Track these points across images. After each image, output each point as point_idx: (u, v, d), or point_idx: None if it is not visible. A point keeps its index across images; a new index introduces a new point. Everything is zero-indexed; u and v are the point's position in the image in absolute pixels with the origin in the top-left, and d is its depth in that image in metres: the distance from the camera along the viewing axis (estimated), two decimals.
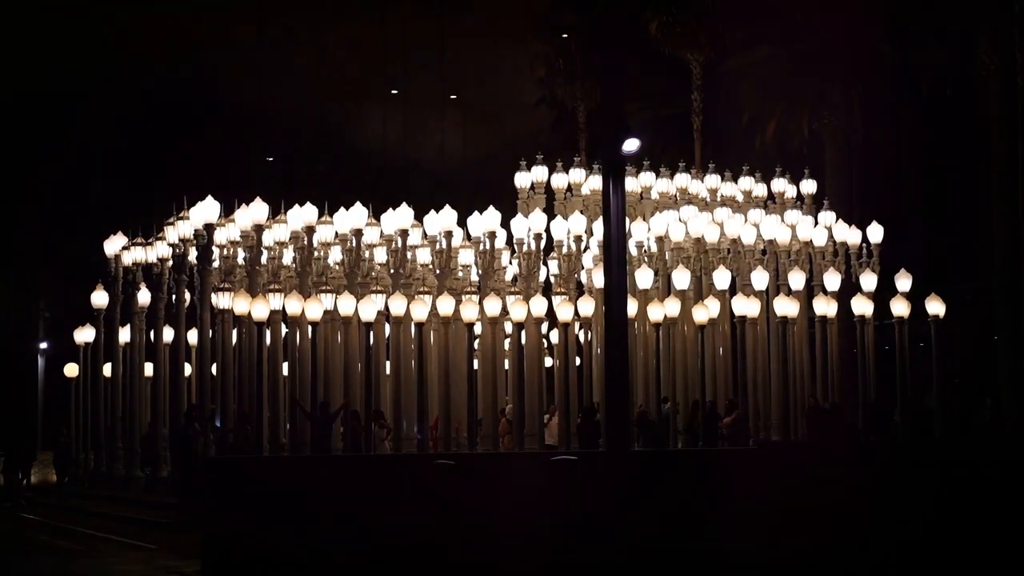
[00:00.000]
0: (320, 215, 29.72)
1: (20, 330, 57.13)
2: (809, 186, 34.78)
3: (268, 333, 29.07)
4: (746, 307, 30.87)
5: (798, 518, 21.65)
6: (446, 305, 29.12)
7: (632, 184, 31.82)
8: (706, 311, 30.61)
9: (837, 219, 33.71)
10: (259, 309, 28.00)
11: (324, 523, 20.68)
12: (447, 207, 30.02)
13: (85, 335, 35.91)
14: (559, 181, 32.35)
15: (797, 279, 31.99)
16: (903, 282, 31.79)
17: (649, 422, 29.79)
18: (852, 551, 20.89)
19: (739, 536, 21.84)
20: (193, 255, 30.09)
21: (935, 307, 31.08)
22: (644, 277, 30.60)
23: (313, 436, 27.27)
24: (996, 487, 21.53)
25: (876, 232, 32.87)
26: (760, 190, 34.14)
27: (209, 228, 29.32)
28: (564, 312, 29.83)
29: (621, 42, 21.51)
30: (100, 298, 34.72)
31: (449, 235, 29.87)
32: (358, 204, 29.65)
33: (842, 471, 22.16)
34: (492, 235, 30.19)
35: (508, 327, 30.60)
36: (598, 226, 29.37)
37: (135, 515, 28.79)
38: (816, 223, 33.37)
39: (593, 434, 27.71)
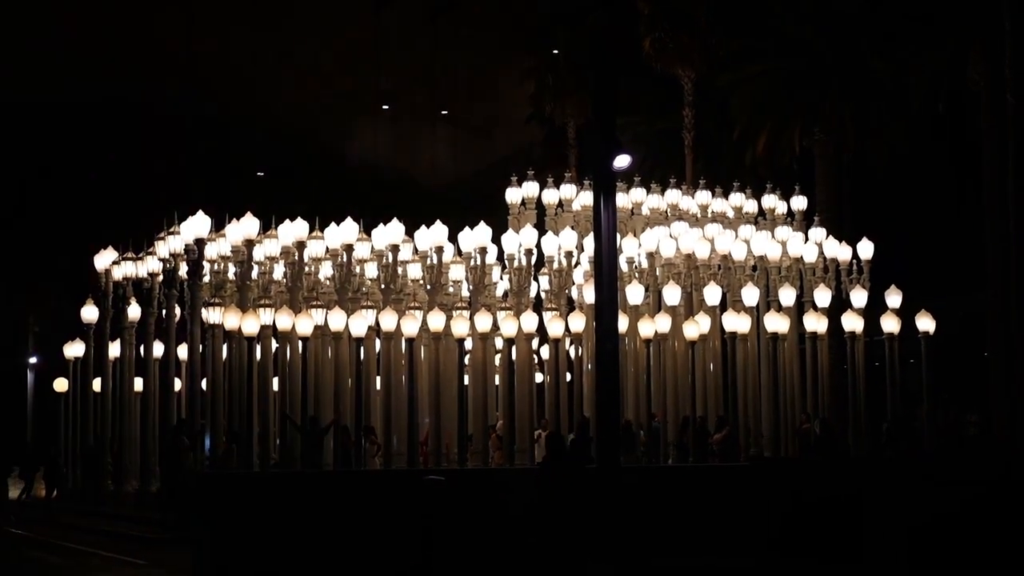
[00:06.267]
0: (311, 230, 29.70)
1: (10, 345, 57.03)
2: (799, 202, 34.87)
3: (258, 348, 29.02)
4: (737, 323, 30.90)
5: (790, 534, 21.66)
6: (437, 320, 29.10)
7: (623, 200, 31.87)
8: (696, 327, 30.64)
9: (827, 235, 33.76)
10: (249, 324, 27.99)
11: (314, 538, 20.64)
12: (438, 222, 30.02)
13: (75, 350, 35.85)
14: (550, 197, 32.39)
15: (787, 295, 32.04)
16: (893, 298, 31.86)
17: (631, 434, 29.70)
18: (846, 566, 20.88)
19: (732, 552, 21.85)
20: (183, 270, 30.05)
21: (925, 323, 31.13)
22: (635, 293, 30.62)
23: (303, 451, 27.23)
24: (986, 503, 21.54)
25: (866, 248, 32.93)
26: (751, 206, 34.20)
27: (200, 243, 29.27)
28: (555, 328, 29.83)
29: (613, 57, 21.57)
30: (90, 313, 34.68)
31: (440, 250, 29.86)
32: (349, 219, 29.65)
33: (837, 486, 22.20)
34: (483, 250, 30.22)
35: (499, 342, 30.59)
36: (589, 242, 29.38)
37: (124, 530, 28.69)
38: (807, 239, 33.43)
39: (586, 449, 27.64)
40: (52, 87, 56.78)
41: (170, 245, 30.23)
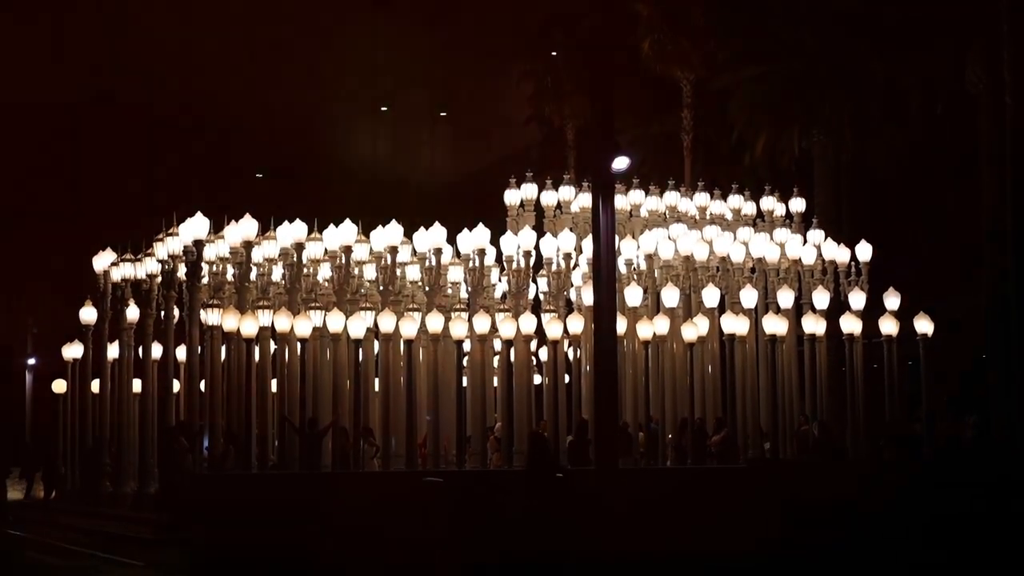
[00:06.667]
0: (309, 232, 29.70)
1: (8, 346, 57.00)
2: (798, 204, 34.88)
3: (257, 350, 29.01)
4: (735, 325, 30.88)
5: (789, 536, 21.69)
6: (435, 322, 29.11)
7: (621, 202, 31.87)
8: (695, 329, 30.63)
9: (826, 237, 33.76)
10: (248, 326, 27.99)
11: (313, 539, 20.65)
12: (436, 224, 30.02)
13: (73, 351, 35.80)
14: (549, 198, 32.38)
15: (786, 297, 32.03)
16: (892, 300, 31.86)
17: (628, 436, 29.72)
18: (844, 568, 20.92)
19: (731, 552, 21.87)
20: (182, 271, 30.05)
21: (923, 326, 31.13)
22: (633, 295, 30.61)
23: (302, 453, 27.24)
24: (985, 505, 21.57)
25: (865, 250, 32.92)
26: (749, 208, 34.20)
27: (198, 244, 29.26)
28: (553, 330, 29.82)
29: (612, 59, 21.60)
30: (88, 314, 34.64)
31: (438, 252, 29.87)
32: (348, 221, 29.65)
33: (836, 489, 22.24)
34: (481, 252, 30.21)
35: (497, 344, 30.60)
36: (587, 244, 29.38)
37: (122, 531, 28.69)
38: (805, 241, 33.43)
39: (585, 451, 27.66)
40: (50, 88, 56.75)
41: (169, 246, 30.22)
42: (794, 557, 21.37)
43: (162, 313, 31.71)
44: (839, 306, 32.64)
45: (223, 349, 29.89)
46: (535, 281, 31.99)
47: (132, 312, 33.36)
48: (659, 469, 28.89)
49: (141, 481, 32.18)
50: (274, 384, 30.15)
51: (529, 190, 32.18)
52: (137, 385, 33.99)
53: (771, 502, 22.50)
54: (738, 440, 30.73)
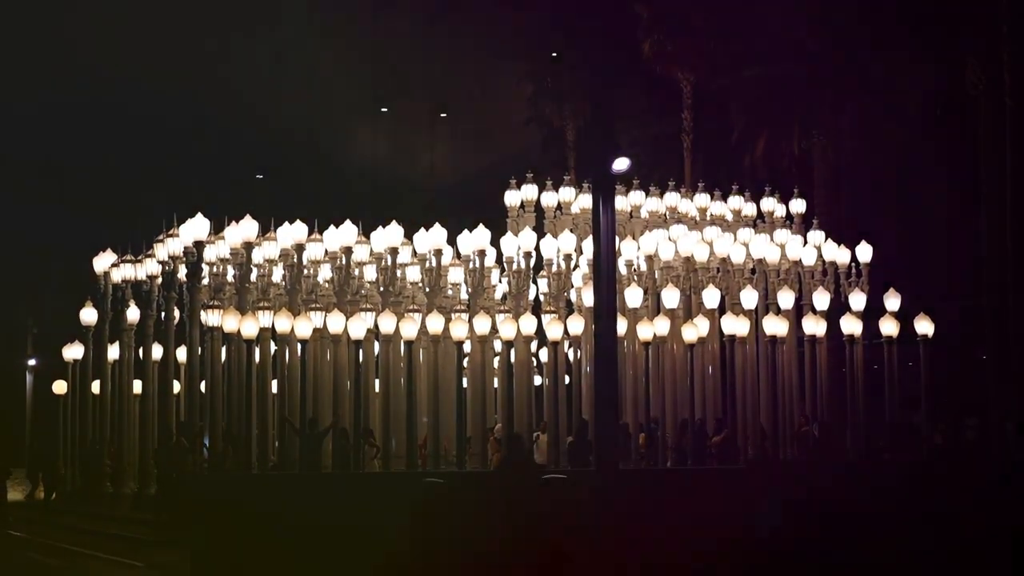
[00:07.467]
0: (310, 233, 29.71)
1: (9, 346, 56.95)
2: (798, 205, 34.89)
3: (257, 350, 29.02)
4: (735, 326, 30.90)
5: (788, 536, 21.68)
6: (435, 323, 29.13)
7: (622, 203, 31.88)
8: (695, 330, 30.64)
9: (826, 238, 33.77)
10: (248, 326, 28.00)
11: (312, 540, 20.65)
12: (437, 225, 30.04)
13: (74, 352, 35.84)
14: (549, 199, 32.41)
15: (786, 298, 32.05)
16: (892, 301, 31.87)
17: (626, 436, 29.71)
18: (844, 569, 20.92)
19: (729, 553, 21.86)
20: (183, 272, 30.07)
21: (924, 326, 31.13)
22: (633, 296, 30.63)
23: (302, 453, 27.25)
24: (984, 505, 21.58)
25: (865, 251, 32.94)
26: (749, 209, 34.21)
27: (199, 245, 29.27)
28: (553, 330, 29.84)
29: (612, 60, 21.59)
30: (89, 315, 34.69)
31: (439, 253, 29.88)
32: (348, 222, 29.67)
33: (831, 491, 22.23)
34: (482, 253, 30.23)
35: (497, 345, 30.62)
36: (588, 244, 29.39)
37: (122, 532, 28.68)
38: (805, 242, 33.44)
39: (585, 452, 27.65)
40: (48, 88, 56.74)
41: (169, 247, 30.25)
42: (792, 558, 21.36)
43: (162, 314, 31.76)
44: (839, 307, 32.65)
45: (223, 350, 29.91)
46: (535, 282, 32.02)
47: (132, 313, 33.42)
48: (659, 470, 28.87)
49: (141, 482, 32.21)
50: (274, 385, 30.17)
51: (529, 191, 32.20)
52: (137, 386, 34.05)
53: (770, 502, 22.47)
54: (738, 441, 30.74)
